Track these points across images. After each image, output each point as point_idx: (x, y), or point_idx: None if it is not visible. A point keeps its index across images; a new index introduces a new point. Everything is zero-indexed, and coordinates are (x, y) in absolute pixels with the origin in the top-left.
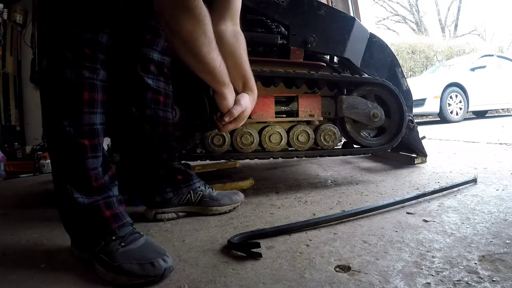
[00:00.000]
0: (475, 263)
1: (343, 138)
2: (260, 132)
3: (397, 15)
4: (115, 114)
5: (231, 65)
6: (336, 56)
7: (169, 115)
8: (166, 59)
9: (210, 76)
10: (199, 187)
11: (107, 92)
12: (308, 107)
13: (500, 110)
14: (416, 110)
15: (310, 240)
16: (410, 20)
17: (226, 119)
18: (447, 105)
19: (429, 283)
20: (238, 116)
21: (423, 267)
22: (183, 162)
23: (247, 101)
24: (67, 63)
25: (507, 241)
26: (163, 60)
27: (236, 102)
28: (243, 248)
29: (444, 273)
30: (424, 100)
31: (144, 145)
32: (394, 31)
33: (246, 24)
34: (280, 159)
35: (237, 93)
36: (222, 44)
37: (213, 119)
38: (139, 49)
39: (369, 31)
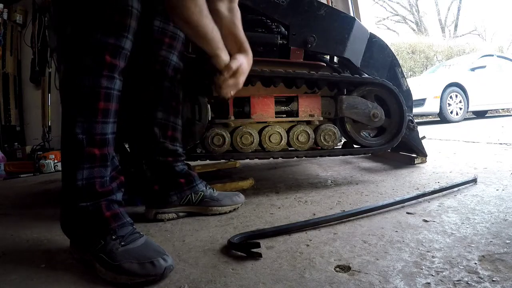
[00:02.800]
0: (475, 263)
1: (343, 138)
2: (260, 132)
3: (397, 15)
4: (127, 115)
5: (226, 33)
6: (336, 56)
7: (179, 121)
8: (182, 65)
9: (204, 40)
10: (201, 188)
11: (120, 101)
12: (308, 107)
13: (500, 110)
14: (416, 110)
15: (310, 240)
16: (410, 20)
17: (225, 73)
18: (447, 105)
19: (429, 283)
20: (236, 72)
21: (423, 267)
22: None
23: (242, 58)
24: (85, 70)
25: (507, 241)
26: (179, 66)
27: (231, 58)
28: (243, 248)
29: (444, 273)
30: (424, 100)
31: (151, 147)
32: (394, 31)
33: (246, 24)
34: (280, 159)
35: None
36: (219, 18)
37: (214, 83)
38: (158, 52)
39: (369, 31)
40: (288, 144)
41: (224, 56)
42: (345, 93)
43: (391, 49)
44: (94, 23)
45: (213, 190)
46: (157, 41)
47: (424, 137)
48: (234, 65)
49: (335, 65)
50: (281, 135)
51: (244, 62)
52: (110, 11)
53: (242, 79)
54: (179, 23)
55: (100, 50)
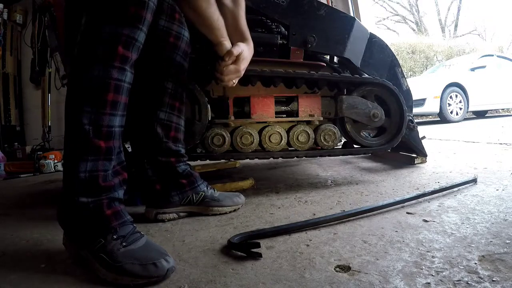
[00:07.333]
0: (475, 263)
1: (343, 138)
2: (260, 132)
3: (397, 15)
4: (130, 114)
5: (229, 23)
6: (336, 56)
7: (182, 122)
8: (186, 66)
9: (209, 29)
10: (202, 188)
11: (129, 94)
12: (308, 107)
13: (500, 110)
14: (416, 110)
15: (310, 240)
16: (410, 20)
17: (227, 59)
18: (447, 105)
19: (429, 283)
20: (237, 59)
21: (423, 267)
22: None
23: (244, 45)
24: (96, 60)
25: (507, 241)
26: (183, 66)
27: (233, 45)
28: (243, 248)
29: (444, 273)
30: (424, 100)
31: (154, 147)
32: (394, 31)
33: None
34: (280, 159)
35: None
36: (223, 7)
37: (215, 70)
38: (162, 52)
39: (369, 31)
40: (288, 144)
41: (227, 43)
42: (345, 93)
43: (391, 49)
44: (108, 13)
45: (214, 191)
46: (162, 41)
47: (424, 137)
48: (235, 50)
49: (335, 65)
50: (281, 135)
51: (245, 50)
52: (126, 2)
53: (243, 65)
54: (186, 10)
55: (113, 40)
